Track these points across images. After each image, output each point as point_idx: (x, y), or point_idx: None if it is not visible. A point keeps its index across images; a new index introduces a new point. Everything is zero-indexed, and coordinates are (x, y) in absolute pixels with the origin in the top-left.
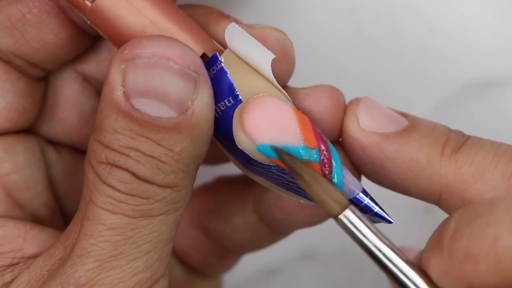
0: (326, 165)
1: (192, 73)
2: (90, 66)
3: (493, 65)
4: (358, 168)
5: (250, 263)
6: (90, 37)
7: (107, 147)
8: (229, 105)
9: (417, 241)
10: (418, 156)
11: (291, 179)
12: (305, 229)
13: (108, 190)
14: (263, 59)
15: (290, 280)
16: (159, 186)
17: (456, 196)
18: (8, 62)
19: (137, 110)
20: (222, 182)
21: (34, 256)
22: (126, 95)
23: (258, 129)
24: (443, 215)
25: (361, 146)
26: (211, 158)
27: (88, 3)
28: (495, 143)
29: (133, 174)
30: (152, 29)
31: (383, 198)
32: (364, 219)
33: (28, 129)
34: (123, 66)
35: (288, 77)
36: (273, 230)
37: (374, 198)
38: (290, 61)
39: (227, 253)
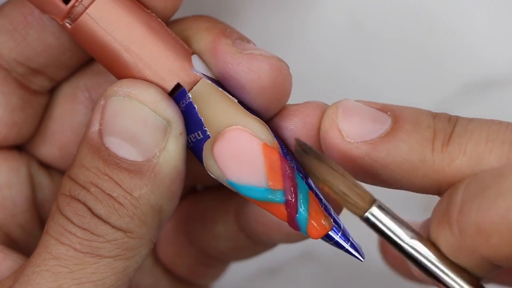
0: (291, 205)
1: (163, 121)
2: (103, 89)
3: (493, 65)
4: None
5: (250, 263)
6: None
7: (72, 180)
8: (199, 138)
9: None
10: (409, 157)
11: None
12: None
13: (62, 220)
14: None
15: (290, 280)
16: (112, 226)
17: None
18: (9, 71)
19: (106, 148)
20: (209, 189)
21: None
22: (100, 132)
23: (225, 166)
24: None
25: (350, 158)
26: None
27: (68, 25)
28: (484, 124)
29: (89, 208)
30: (126, 56)
31: (380, 196)
32: (390, 216)
33: (22, 148)
34: (102, 103)
35: (278, 106)
36: (254, 242)
37: (348, 233)
38: (281, 91)
39: (212, 261)
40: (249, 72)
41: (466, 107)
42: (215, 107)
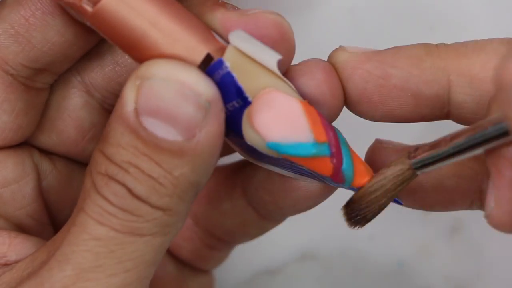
0: (337, 157)
1: (204, 102)
2: (95, 73)
3: None
4: (361, 103)
5: (250, 263)
6: (96, 33)
7: (108, 159)
8: (237, 106)
9: (417, 243)
10: (415, 53)
11: (300, 167)
12: (305, 229)
13: (101, 200)
14: (268, 57)
15: (290, 280)
16: (152, 206)
17: (465, 74)
18: (15, 76)
19: (144, 128)
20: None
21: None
22: (136, 112)
23: (268, 128)
24: (444, 218)
25: (356, 66)
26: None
27: (89, 8)
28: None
29: (128, 190)
30: (154, 31)
31: None
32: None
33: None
34: (137, 83)
35: (289, 60)
36: (262, 216)
37: None
38: (289, 43)
39: (218, 242)
40: (258, 29)
41: None
42: (246, 72)
